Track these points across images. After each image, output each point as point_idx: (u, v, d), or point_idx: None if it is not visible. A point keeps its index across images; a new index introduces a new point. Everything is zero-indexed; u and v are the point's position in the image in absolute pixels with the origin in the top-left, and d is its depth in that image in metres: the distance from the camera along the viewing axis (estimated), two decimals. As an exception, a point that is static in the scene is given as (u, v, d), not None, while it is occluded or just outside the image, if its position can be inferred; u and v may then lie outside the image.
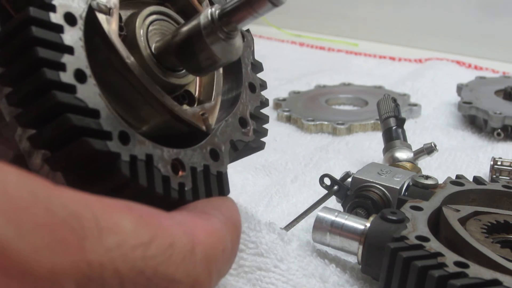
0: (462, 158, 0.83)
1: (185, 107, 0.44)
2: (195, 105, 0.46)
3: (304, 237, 0.59)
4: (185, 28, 0.41)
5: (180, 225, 0.34)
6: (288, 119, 1.01)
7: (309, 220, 0.60)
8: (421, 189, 0.57)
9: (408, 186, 0.59)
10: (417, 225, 0.49)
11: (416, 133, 0.94)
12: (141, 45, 0.42)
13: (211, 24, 0.39)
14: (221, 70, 0.48)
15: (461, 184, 0.58)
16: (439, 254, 0.44)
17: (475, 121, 0.97)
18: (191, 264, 0.33)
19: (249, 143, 0.47)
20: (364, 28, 1.67)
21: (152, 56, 0.42)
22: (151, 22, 0.43)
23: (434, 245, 0.45)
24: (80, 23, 0.37)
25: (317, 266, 0.51)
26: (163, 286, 0.31)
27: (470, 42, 1.50)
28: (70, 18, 0.37)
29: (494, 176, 0.73)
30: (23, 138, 0.38)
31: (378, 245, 0.49)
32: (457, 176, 0.61)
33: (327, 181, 0.63)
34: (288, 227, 0.59)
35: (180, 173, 0.40)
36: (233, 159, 0.47)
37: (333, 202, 0.65)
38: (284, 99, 1.10)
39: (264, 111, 0.50)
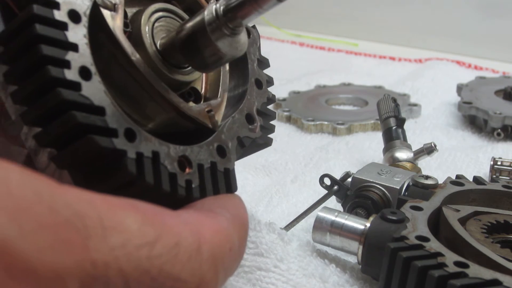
0: (462, 158, 0.83)
1: (191, 104, 0.44)
2: (201, 102, 0.46)
3: (304, 237, 0.59)
4: (189, 24, 0.41)
5: (186, 224, 0.34)
6: (288, 119, 1.01)
7: (309, 220, 0.60)
8: (421, 189, 0.57)
9: (408, 186, 0.59)
10: (417, 225, 0.49)
11: (416, 133, 0.94)
12: (146, 42, 0.42)
13: (216, 20, 0.39)
14: (227, 66, 0.48)
15: (461, 184, 0.58)
16: (439, 254, 0.44)
17: (475, 121, 0.97)
18: (197, 263, 0.33)
19: (256, 139, 0.47)
20: (364, 28, 1.67)
21: (157, 53, 0.42)
22: (156, 19, 0.43)
23: (434, 245, 0.45)
24: (85, 20, 0.37)
25: (317, 266, 0.51)
26: (169, 285, 0.31)
27: (470, 42, 1.50)
28: (74, 15, 0.37)
29: (494, 176, 0.73)
30: (29, 137, 0.38)
31: (378, 245, 0.49)
32: (457, 176, 0.61)
33: (327, 181, 0.63)
34: (288, 227, 0.59)
35: (187, 170, 0.40)
36: (240, 155, 0.46)
37: (333, 202, 0.65)
38: (284, 99, 1.10)
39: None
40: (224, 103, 0.46)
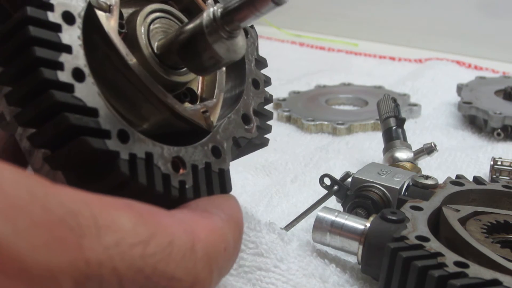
0: (462, 158, 0.83)
1: (187, 105, 0.44)
2: (197, 102, 0.46)
3: (304, 237, 0.59)
4: (188, 27, 0.41)
5: (180, 223, 0.34)
6: (288, 119, 1.01)
7: (309, 220, 0.60)
8: (421, 189, 0.57)
9: (408, 186, 0.59)
10: (417, 225, 0.49)
11: (416, 133, 0.94)
12: (141, 43, 0.42)
13: (213, 23, 0.39)
14: (224, 67, 0.48)
15: (461, 184, 0.58)
16: (439, 254, 0.44)
17: (475, 121, 0.97)
18: (191, 262, 0.33)
19: (252, 139, 0.47)
20: (364, 28, 1.67)
21: (153, 54, 0.42)
22: (153, 20, 0.43)
23: (434, 245, 0.45)
24: (79, 21, 0.37)
25: (317, 266, 0.51)
26: (163, 284, 0.31)
27: (470, 42, 1.50)
28: (68, 17, 0.36)
29: (494, 176, 0.72)
30: (23, 137, 0.38)
31: (378, 245, 0.49)
32: (457, 176, 0.61)
33: (327, 181, 0.63)
34: (288, 227, 0.59)
35: (181, 171, 0.40)
36: (236, 156, 0.46)
37: (333, 202, 0.65)
38: (284, 99, 1.10)
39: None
40: (220, 104, 0.46)
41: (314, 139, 0.94)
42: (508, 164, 0.72)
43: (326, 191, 0.63)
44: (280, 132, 0.96)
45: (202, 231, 0.35)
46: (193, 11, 0.47)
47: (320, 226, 0.53)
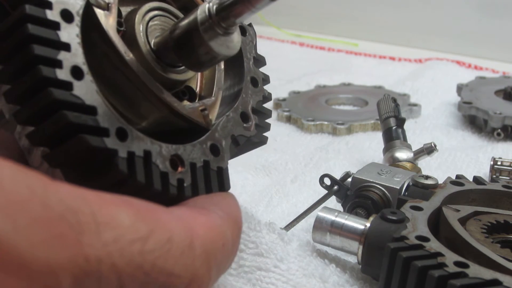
0: (462, 158, 0.83)
1: (185, 102, 0.44)
2: (196, 100, 0.46)
3: (304, 237, 0.59)
4: (182, 23, 0.41)
5: (178, 219, 0.34)
6: (288, 119, 1.01)
7: (309, 220, 0.60)
8: (421, 189, 0.57)
9: (408, 186, 0.59)
10: (417, 225, 0.49)
11: (416, 133, 0.94)
12: (140, 41, 0.42)
13: (209, 19, 0.39)
14: (222, 65, 0.48)
15: (461, 184, 0.57)
16: (439, 254, 0.44)
17: (475, 121, 0.97)
18: (189, 258, 0.33)
19: (251, 138, 0.47)
20: (364, 28, 1.67)
21: (151, 52, 0.42)
22: (151, 18, 0.43)
23: (434, 245, 0.45)
24: (77, 19, 0.37)
25: (317, 266, 0.51)
26: (162, 280, 0.31)
27: (470, 42, 1.50)
28: (66, 15, 0.37)
29: (494, 176, 0.72)
30: (22, 135, 0.38)
31: (378, 245, 0.49)
32: (457, 176, 0.61)
33: (327, 181, 0.63)
34: (288, 227, 0.59)
35: (179, 169, 0.40)
36: (235, 154, 0.46)
37: (333, 202, 0.65)
38: (284, 99, 1.10)
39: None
40: (219, 102, 0.46)
41: (314, 139, 0.94)
42: (508, 164, 0.72)
43: (326, 191, 0.63)
44: (280, 132, 0.96)
45: (201, 228, 0.35)
46: (191, 9, 0.47)
47: (320, 226, 0.53)
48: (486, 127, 0.93)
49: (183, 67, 0.44)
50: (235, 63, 0.48)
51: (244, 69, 0.48)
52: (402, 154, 0.74)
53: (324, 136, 0.95)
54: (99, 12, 0.39)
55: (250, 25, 0.51)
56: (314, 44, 1.61)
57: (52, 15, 0.36)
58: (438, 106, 1.08)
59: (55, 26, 0.36)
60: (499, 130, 0.90)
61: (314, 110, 1.04)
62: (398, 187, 0.58)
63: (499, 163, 0.73)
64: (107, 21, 0.39)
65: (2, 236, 0.25)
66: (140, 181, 0.37)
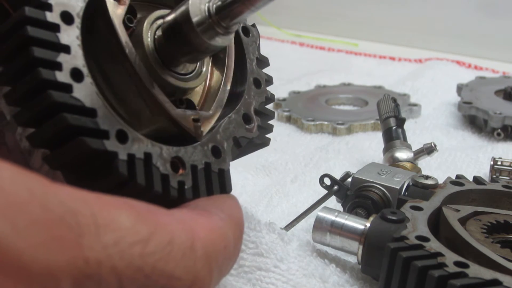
0: (462, 158, 0.83)
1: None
2: None
3: (304, 237, 0.59)
4: (172, 17, 0.41)
5: (179, 221, 0.34)
6: (288, 119, 1.01)
7: (309, 220, 0.60)
8: (421, 189, 0.57)
9: (408, 186, 0.59)
10: (417, 225, 0.49)
11: (416, 133, 0.94)
12: (145, 41, 0.42)
13: (208, 19, 0.39)
14: (228, 86, 0.47)
15: (461, 184, 0.57)
16: (439, 254, 0.44)
17: (475, 121, 0.97)
18: (191, 260, 0.33)
19: (253, 139, 0.46)
20: (364, 28, 1.67)
21: (155, 53, 0.42)
22: (159, 26, 0.43)
23: (434, 245, 0.45)
24: (78, 21, 0.37)
25: (317, 266, 0.51)
26: (162, 283, 0.31)
27: (470, 42, 1.50)
28: (67, 17, 0.37)
29: (494, 176, 0.72)
30: (23, 137, 0.38)
31: (378, 245, 0.49)
32: (457, 176, 0.61)
33: (327, 181, 0.63)
34: (288, 227, 0.59)
35: (180, 171, 0.40)
36: (237, 156, 0.46)
37: (333, 202, 0.65)
38: (284, 99, 1.10)
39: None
40: (215, 119, 0.45)
41: (314, 139, 0.94)
42: (508, 164, 0.72)
43: (326, 191, 0.63)
44: (280, 132, 0.96)
45: (202, 230, 0.35)
46: None
47: (320, 226, 0.53)
48: (486, 127, 0.93)
49: (187, 76, 0.44)
50: (238, 65, 0.48)
51: (247, 70, 0.48)
52: (402, 154, 0.74)
53: (324, 136, 0.95)
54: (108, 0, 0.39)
55: (253, 25, 0.51)
56: (314, 44, 1.61)
57: (52, 17, 0.36)
58: (438, 106, 1.08)
59: (55, 28, 0.36)
60: (499, 130, 0.90)
61: (314, 110, 1.04)
62: (398, 187, 0.58)
63: (499, 163, 0.73)
64: (115, 10, 0.39)
65: (1, 238, 0.25)
66: (140, 183, 0.37)
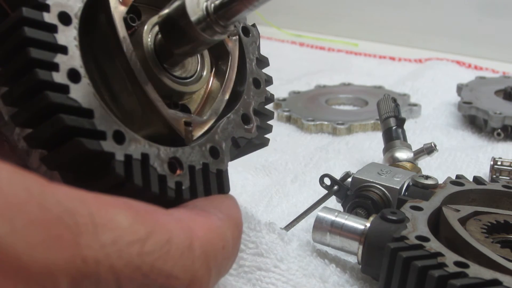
0: (462, 158, 0.83)
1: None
2: None
3: (304, 237, 0.59)
4: (167, 11, 0.41)
5: (177, 221, 0.34)
6: (288, 119, 1.01)
7: (309, 220, 0.60)
8: (421, 189, 0.57)
9: (408, 186, 0.59)
10: (417, 225, 0.49)
11: (416, 133, 0.94)
12: (145, 42, 0.42)
13: (207, 18, 0.39)
14: (227, 95, 0.47)
15: (461, 184, 0.57)
16: (439, 254, 0.44)
17: (475, 121, 0.97)
18: (189, 260, 0.33)
19: (252, 139, 0.46)
20: (364, 28, 1.67)
21: (153, 54, 0.42)
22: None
23: (434, 245, 0.45)
24: (75, 22, 0.37)
25: (317, 266, 0.51)
26: (160, 282, 0.31)
27: (470, 42, 1.49)
28: (64, 18, 0.37)
29: (494, 176, 0.72)
30: (20, 137, 0.38)
31: (378, 245, 0.49)
32: (457, 176, 0.61)
33: (327, 181, 0.63)
34: (288, 227, 0.59)
35: (178, 171, 0.39)
36: (235, 156, 0.46)
37: (333, 202, 0.65)
38: (284, 99, 1.10)
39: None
40: (208, 125, 0.44)
41: (314, 139, 0.94)
42: (508, 164, 0.72)
43: (326, 191, 0.63)
44: (280, 132, 0.96)
45: (200, 229, 0.35)
46: None
47: (320, 226, 0.53)
48: (486, 127, 0.93)
49: (184, 80, 0.44)
50: (238, 65, 0.48)
51: (247, 70, 0.48)
52: (402, 154, 0.74)
53: (324, 136, 0.95)
54: None
55: (253, 25, 0.51)
56: (314, 44, 1.61)
57: (50, 17, 0.36)
58: (438, 106, 1.08)
59: (52, 28, 0.36)
60: (499, 130, 0.90)
61: (314, 110, 1.04)
62: (398, 187, 0.58)
63: (499, 163, 0.73)
64: (117, 6, 0.39)
65: (0, 238, 0.25)
66: (137, 184, 0.37)
